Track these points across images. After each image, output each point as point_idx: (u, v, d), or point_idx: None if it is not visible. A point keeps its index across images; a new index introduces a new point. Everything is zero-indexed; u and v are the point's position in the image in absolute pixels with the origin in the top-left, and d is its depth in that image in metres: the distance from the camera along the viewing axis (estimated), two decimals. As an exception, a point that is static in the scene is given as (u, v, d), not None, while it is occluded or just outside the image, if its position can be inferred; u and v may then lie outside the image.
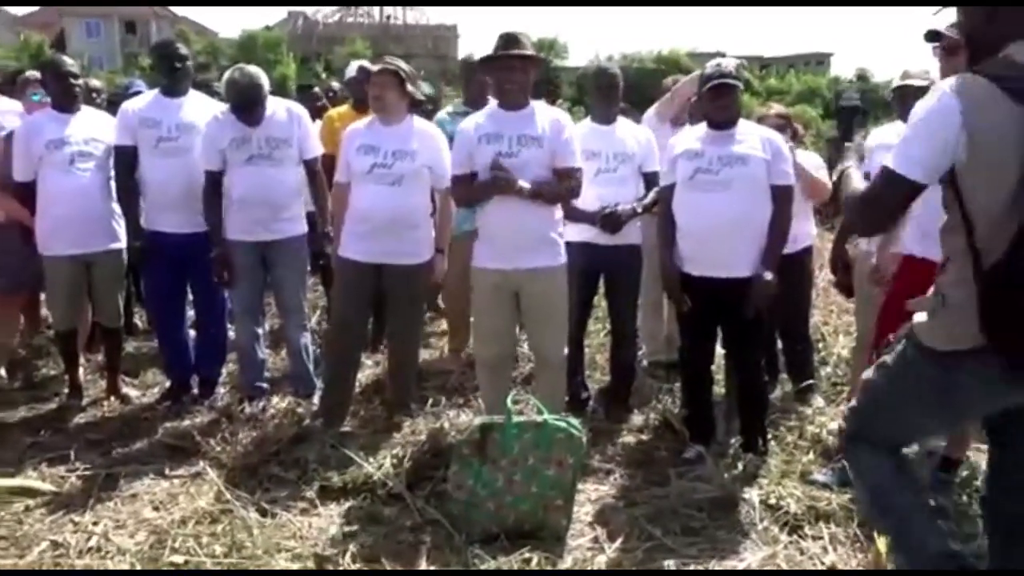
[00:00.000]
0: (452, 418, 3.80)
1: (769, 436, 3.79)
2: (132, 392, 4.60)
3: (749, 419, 3.74)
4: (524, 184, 3.46)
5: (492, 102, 4.68)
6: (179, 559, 2.87)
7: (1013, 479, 2.24)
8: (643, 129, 4.41)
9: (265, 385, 4.40)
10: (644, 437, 4.04)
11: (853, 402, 2.44)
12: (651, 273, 4.22)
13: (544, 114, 3.60)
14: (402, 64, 3.94)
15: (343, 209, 3.96)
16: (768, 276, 3.51)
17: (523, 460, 3.01)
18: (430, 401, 4.24)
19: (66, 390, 4.53)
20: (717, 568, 2.91)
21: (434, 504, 3.21)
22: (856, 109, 2.73)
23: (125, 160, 4.21)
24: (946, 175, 1.95)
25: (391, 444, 3.69)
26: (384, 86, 3.84)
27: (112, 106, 4.95)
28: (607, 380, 4.56)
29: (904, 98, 3.48)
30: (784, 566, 2.91)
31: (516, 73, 3.53)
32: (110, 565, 2.88)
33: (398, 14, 59.68)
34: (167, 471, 3.64)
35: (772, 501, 3.26)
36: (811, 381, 4.38)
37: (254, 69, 4.07)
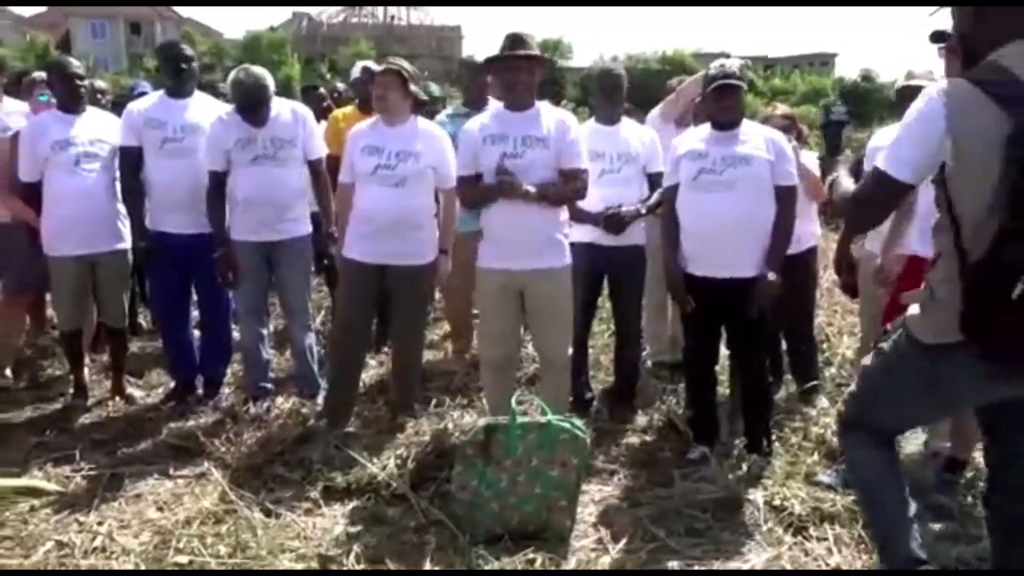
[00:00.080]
0: (456, 419, 3.79)
1: (773, 437, 3.79)
2: (137, 392, 4.61)
3: (753, 420, 3.73)
4: (529, 188, 3.46)
5: (492, 103, 4.71)
6: (183, 559, 2.88)
7: (1010, 477, 2.26)
8: (647, 130, 4.41)
9: (269, 385, 4.41)
10: (648, 438, 4.04)
11: (852, 387, 2.50)
12: (655, 274, 4.22)
13: (549, 115, 3.60)
14: (405, 64, 3.95)
15: (347, 210, 3.96)
16: (772, 276, 3.51)
17: (527, 461, 3.01)
18: (434, 402, 4.24)
19: (71, 390, 4.54)
20: (721, 569, 2.91)
21: (438, 505, 3.21)
22: (843, 124, 2.77)
23: (130, 161, 4.22)
24: (937, 176, 2.00)
25: (395, 445, 3.69)
26: (387, 86, 3.84)
27: (117, 107, 4.96)
28: (611, 381, 4.56)
29: (907, 99, 3.43)
30: (788, 567, 2.90)
31: (522, 74, 3.53)
32: (115, 565, 2.89)
33: (402, 15, 59.75)
34: (171, 471, 3.64)
35: (776, 502, 3.26)
36: (815, 382, 4.37)
37: (259, 70, 4.08)
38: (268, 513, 3.22)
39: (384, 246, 3.86)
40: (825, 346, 5.12)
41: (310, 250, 4.33)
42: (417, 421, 3.90)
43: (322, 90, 6.83)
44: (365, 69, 5.31)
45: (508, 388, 3.72)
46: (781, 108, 4.86)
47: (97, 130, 4.26)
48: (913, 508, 2.33)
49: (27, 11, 59.14)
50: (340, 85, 7.49)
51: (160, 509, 3.32)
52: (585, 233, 3.99)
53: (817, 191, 4.19)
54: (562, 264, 3.65)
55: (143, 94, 5.06)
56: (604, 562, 2.95)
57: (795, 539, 3.06)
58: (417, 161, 3.83)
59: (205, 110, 4.24)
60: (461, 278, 4.41)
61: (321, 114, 5.59)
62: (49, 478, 3.56)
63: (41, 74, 4.97)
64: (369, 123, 4.02)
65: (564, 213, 3.70)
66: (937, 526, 3.12)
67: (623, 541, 3.04)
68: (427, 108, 4.21)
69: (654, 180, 4.11)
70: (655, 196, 4.04)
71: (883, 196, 2.10)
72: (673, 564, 2.92)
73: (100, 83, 5.79)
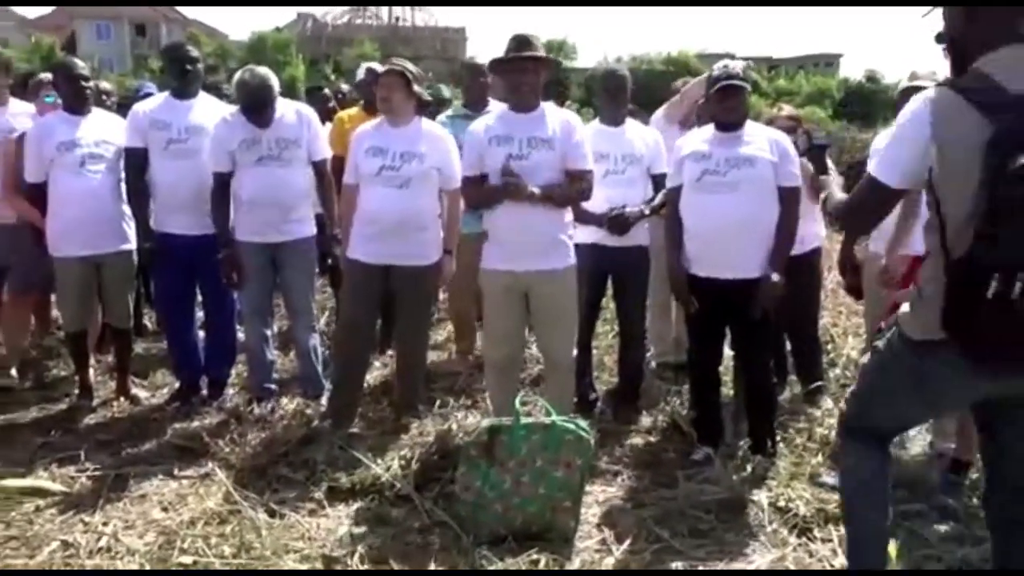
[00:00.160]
0: (460, 420, 3.79)
1: (778, 438, 3.78)
2: (141, 393, 4.62)
3: (757, 421, 3.73)
4: (535, 189, 3.46)
5: (493, 104, 4.71)
6: (188, 559, 2.88)
7: (1005, 474, 2.28)
8: (651, 131, 4.41)
9: (274, 386, 4.42)
10: (652, 439, 4.04)
11: (853, 387, 2.56)
12: (659, 274, 4.22)
13: (555, 116, 3.61)
14: (409, 65, 3.95)
15: (351, 211, 3.97)
16: (775, 277, 3.50)
17: (531, 462, 3.01)
18: (438, 403, 4.24)
19: (76, 391, 4.55)
20: (725, 569, 2.91)
21: (442, 505, 3.21)
22: (826, 147, 2.84)
23: (135, 162, 4.23)
24: (927, 179, 2.06)
25: (399, 445, 3.69)
26: (391, 87, 3.85)
27: (122, 108, 4.98)
28: (615, 382, 4.56)
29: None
30: (793, 568, 2.90)
31: (528, 75, 3.53)
32: (120, 565, 2.89)
33: (407, 16, 59.84)
34: (176, 472, 3.65)
35: (781, 503, 3.26)
36: (820, 383, 4.37)
37: (264, 70, 4.09)
38: (272, 514, 3.22)
39: (388, 247, 3.87)
40: (830, 347, 5.11)
41: (314, 251, 4.34)
42: (421, 422, 3.91)
43: (326, 91, 6.83)
44: (369, 70, 5.32)
45: (512, 389, 3.72)
46: (786, 109, 4.86)
47: (102, 131, 4.27)
48: (890, 521, 2.43)
49: (32, 13, 59.35)
50: (344, 86, 7.51)
51: (165, 509, 3.33)
52: (589, 234, 3.99)
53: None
54: (566, 265, 3.66)
55: (148, 95, 5.07)
56: (608, 563, 2.95)
57: (799, 540, 3.06)
58: (421, 162, 3.83)
59: (210, 111, 4.25)
60: (464, 279, 4.42)
61: (326, 115, 5.60)
62: (54, 478, 3.57)
63: (47, 75, 4.98)
64: (373, 124, 4.02)
65: (568, 214, 3.70)
66: (942, 527, 3.12)
67: (627, 542, 3.04)
68: (430, 109, 4.21)
69: (658, 181, 4.11)
70: (659, 197, 4.04)
71: (875, 201, 2.19)
72: (677, 565, 2.92)
73: (105, 84, 5.81)
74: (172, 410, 4.35)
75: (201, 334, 4.62)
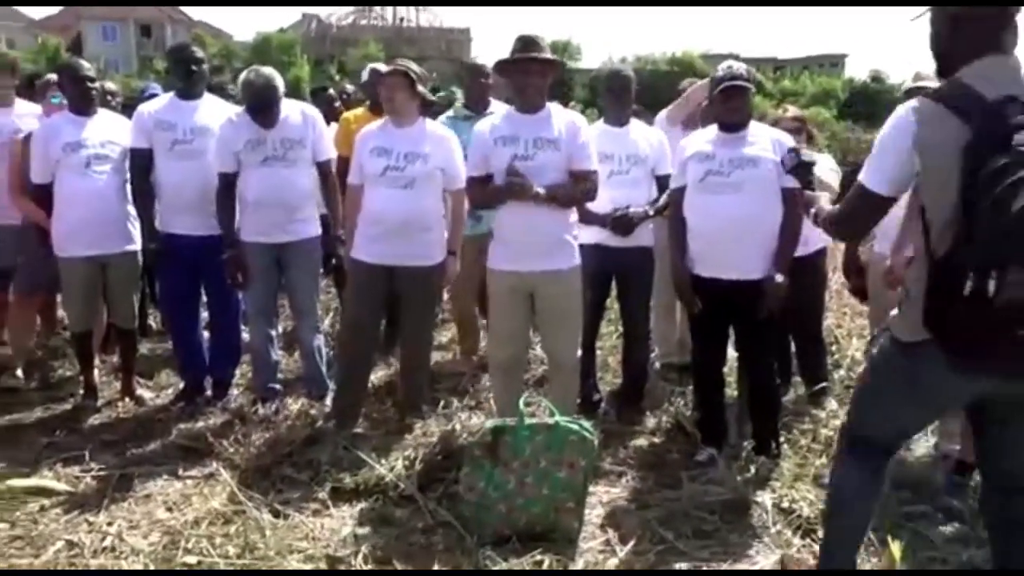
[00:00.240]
0: (464, 420, 3.79)
1: (782, 439, 3.78)
2: (146, 393, 4.63)
3: (761, 422, 3.73)
4: (539, 189, 3.46)
5: (494, 105, 4.72)
6: (192, 559, 2.89)
7: (1002, 475, 2.29)
8: (656, 131, 4.41)
9: (278, 387, 4.42)
10: (656, 440, 4.04)
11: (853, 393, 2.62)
12: (663, 275, 4.21)
13: (560, 117, 3.61)
14: (412, 65, 3.96)
15: (356, 211, 3.97)
16: (779, 278, 3.50)
17: (535, 462, 3.02)
18: (442, 403, 4.24)
19: (81, 391, 4.56)
20: (729, 569, 2.91)
21: (446, 506, 3.21)
22: (812, 164, 2.90)
23: (141, 163, 4.24)
24: (914, 185, 2.15)
25: (403, 446, 3.69)
26: (394, 87, 3.85)
27: (128, 109, 4.99)
28: (619, 382, 4.56)
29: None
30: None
31: (533, 77, 3.53)
32: (124, 565, 2.90)
33: (411, 16, 59.91)
34: (181, 472, 3.66)
35: (785, 504, 3.25)
36: (824, 384, 4.36)
37: (269, 71, 4.10)
38: (276, 514, 3.23)
39: (392, 248, 3.87)
40: (834, 348, 5.10)
41: (319, 251, 4.34)
42: (425, 422, 3.91)
43: (331, 91, 6.84)
44: (373, 71, 5.33)
45: (516, 389, 3.72)
46: (791, 110, 4.86)
47: (108, 132, 4.28)
48: (867, 532, 2.53)
49: (39, 14, 59.51)
50: (349, 87, 7.51)
51: (169, 509, 3.33)
52: (593, 234, 3.99)
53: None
54: (571, 265, 3.66)
55: (153, 96, 5.08)
56: (612, 564, 2.95)
57: (803, 541, 3.05)
58: (425, 162, 3.84)
59: (215, 112, 4.26)
60: (467, 280, 4.41)
61: (331, 116, 5.62)
62: (59, 478, 3.58)
63: (54, 76, 5.00)
64: (378, 125, 4.03)
65: (573, 215, 3.70)
66: (947, 528, 3.11)
67: (631, 543, 3.04)
68: (433, 109, 4.22)
69: (662, 182, 4.11)
70: (663, 198, 4.03)
71: (866, 209, 2.26)
72: (681, 566, 2.92)
73: (111, 85, 5.82)
74: (177, 410, 4.35)
75: (206, 334, 4.63)
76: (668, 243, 3.81)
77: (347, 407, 4.04)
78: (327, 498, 3.37)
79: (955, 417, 3.31)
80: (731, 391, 4.10)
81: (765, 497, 3.31)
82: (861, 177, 2.21)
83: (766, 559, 2.95)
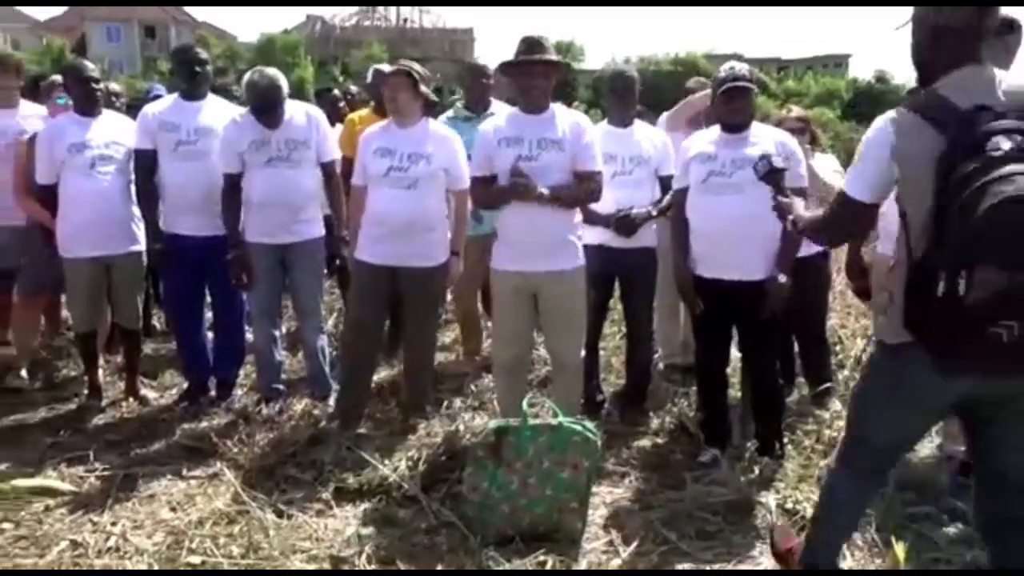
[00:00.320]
0: (467, 420, 3.79)
1: (786, 440, 3.77)
2: (150, 393, 4.64)
3: (765, 422, 3.72)
4: (543, 190, 3.46)
5: (496, 105, 4.72)
6: (196, 559, 2.90)
7: (994, 475, 2.31)
8: (659, 132, 4.41)
9: (282, 387, 4.43)
10: (659, 440, 4.04)
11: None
12: (667, 276, 4.21)
13: (564, 117, 3.61)
14: (415, 66, 3.96)
15: (360, 212, 3.98)
16: (782, 278, 3.50)
17: (538, 463, 3.02)
18: (445, 403, 4.24)
19: (85, 391, 4.57)
20: (732, 570, 2.90)
21: (449, 506, 3.22)
22: (783, 171, 2.92)
23: (145, 163, 4.25)
24: (896, 192, 2.22)
25: (406, 446, 3.70)
26: (397, 87, 3.86)
27: (132, 110, 5.00)
28: (622, 383, 4.56)
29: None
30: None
31: (537, 78, 3.53)
32: (128, 565, 2.91)
33: (415, 17, 59.96)
34: (185, 472, 3.67)
35: (788, 505, 3.25)
36: (828, 384, 4.35)
37: (273, 71, 4.11)
38: (280, 514, 3.23)
39: (396, 248, 3.88)
40: (838, 348, 5.10)
41: (323, 252, 4.34)
42: (428, 423, 3.91)
43: (336, 92, 6.85)
44: (376, 72, 5.33)
45: (520, 390, 3.71)
46: (795, 110, 4.85)
47: (112, 133, 4.29)
48: (849, 538, 2.62)
49: (44, 15, 59.69)
50: (353, 88, 7.52)
51: (173, 509, 3.34)
52: (596, 235, 3.99)
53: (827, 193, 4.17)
54: (575, 266, 3.66)
55: (158, 97, 5.10)
56: (615, 564, 2.96)
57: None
58: (429, 163, 3.84)
59: (219, 113, 4.27)
60: (470, 280, 4.41)
61: (336, 117, 5.62)
62: (63, 478, 3.59)
63: (60, 77, 5.01)
64: (381, 125, 4.03)
65: (577, 215, 3.70)
66: (951, 530, 3.11)
67: (634, 543, 3.04)
68: (435, 109, 4.22)
69: (666, 183, 4.10)
70: (667, 198, 4.03)
71: (847, 215, 2.33)
72: (684, 567, 2.93)
73: (115, 86, 5.84)
74: (181, 410, 4.36)
75: (210, 335, 4.64)
76: (671, 244, 3.81)
77: (351, 407, 4.04)
78: (331, 498, 3.37)
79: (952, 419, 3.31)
80: (735, 392, 4.10)
81: (769, 498, 3.31)
82: (843, 185, 2.30)
83: (769, 560, 2.95)
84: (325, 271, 4.57)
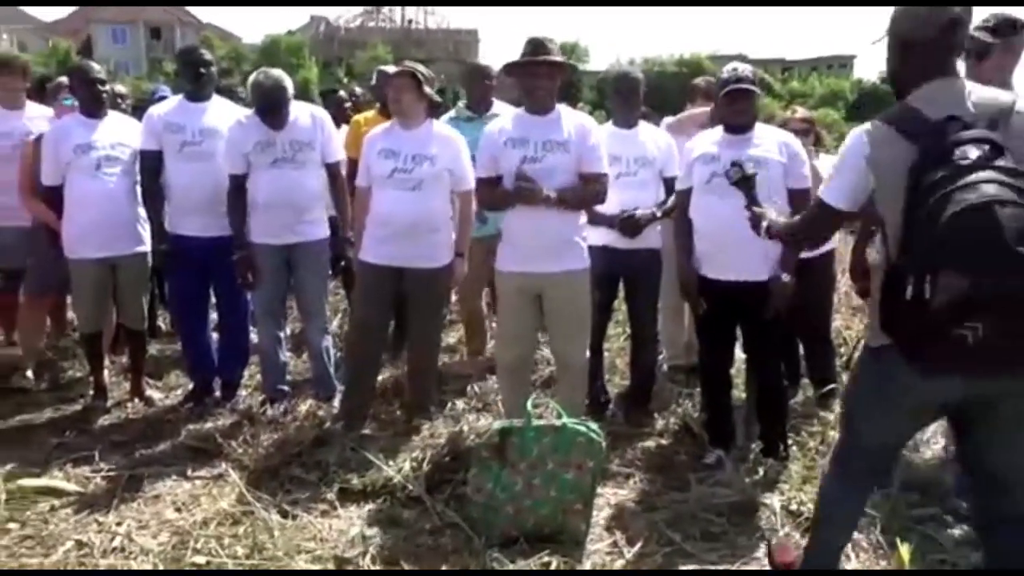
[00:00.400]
0: (471, 421, 3.80)
1: (790, 441, 3.77)
2: (155, 394, 4.65)
3: (769, 423, 3.72)
4: (550, 193, 3.46)
5: (498, 106, 4.72)
6: (201, 560, 2.91)
7: (983, 475, 2.34)
8: (664, 133, 4.40)
9: (286, 388, 4.44)
10: (664, 441, 4.03)
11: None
12: (671, 277, 4.21)
13: (570, 119, 3.61)
14: (419, 67, 3.96)
15: (364, 213, 3.98)
16: (785, 277, 3.49)
17: (542, 464, 3.02)
18: (449, 405, 4.25)
19: (91, 392, 4.58)
20: (736, 570, 2.90)
21: (453, 507, 3.22)
22: (754, 176, 2.95)
23: (150, 164, 4.26)
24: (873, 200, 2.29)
25: (411, 447, 3.70)
26: (401, 88, 3.87)
27: (138, 111, 5.01)
28: (627, 384, 4.55)
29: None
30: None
31: (542, 79, 3.53)
32: (133, 565, 2.91)
33: (419, 19, 60.02)
34: (190, 472, 3.67)
35: (793, 507, 3.25)
36: (833, 385, 4.34)
37: (278, 72, 4.11)
38: (285, 514, 3.24)
39: (400, 249, 3.88)
40: (843, 350, 5.09)
41: (328, 253, 4.35)
42: (433, 424, 3.92)
43: (342, 93, 6.85)
44: (380, 73, 5.34)
45: (524, 391, 3.72)
46: (800, 111, 4.85)
47: (118, 134, 4.30)
48: (848, 541, 2.63)
49: (50, 16, 59.89)
50: (358, 89, 7.52)
51: (178, 510, 3.35)
52: (601, 236, 3.99)
53: None
54: (580, 267, 3.66)
55: (163, 98, 5.11)
56: (619, 565, 2.96)
57: (812, 544, 3.04)
58: (433, 164, 3.84)
59: (224, 114, 4.28)
60: (475, 281, 4.40)
61: (342, 118, 5.63)
62: (69, 478, 3.60)
63: (66, 79, 5.03)
64: (385, 127, 4.04)
65: (582, 216, 3.71)
66: (956, 531, 3.10)
67: (638, 545, 3.05)
68: (439, 110, 4.23)
69: (670, 184, 4.10)
70: (672, 200, 4.03)
71: (824, 220, 2.44)
72: (688, 568, 2.92)
73: (121, 87, 5.85)
74: (186, 411, 4.37)
75: (215, 336, 4.65)
76: (674, 244, 3.81)
77: (355, 408, 4.05)
78: (335, 499, 3.38)
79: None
80: (739, 393, 4.09)
81: (773, 499, 3.31)
82: (821, 191, 2.39)
83: (774, 561, 2.95)
84: (330, 272, 4.58)
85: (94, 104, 4.27)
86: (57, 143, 4.21)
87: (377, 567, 2.89)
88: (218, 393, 4.52)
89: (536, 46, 3.52)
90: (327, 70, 44.78)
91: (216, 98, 4.40)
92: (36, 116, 4.84)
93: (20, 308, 4.93)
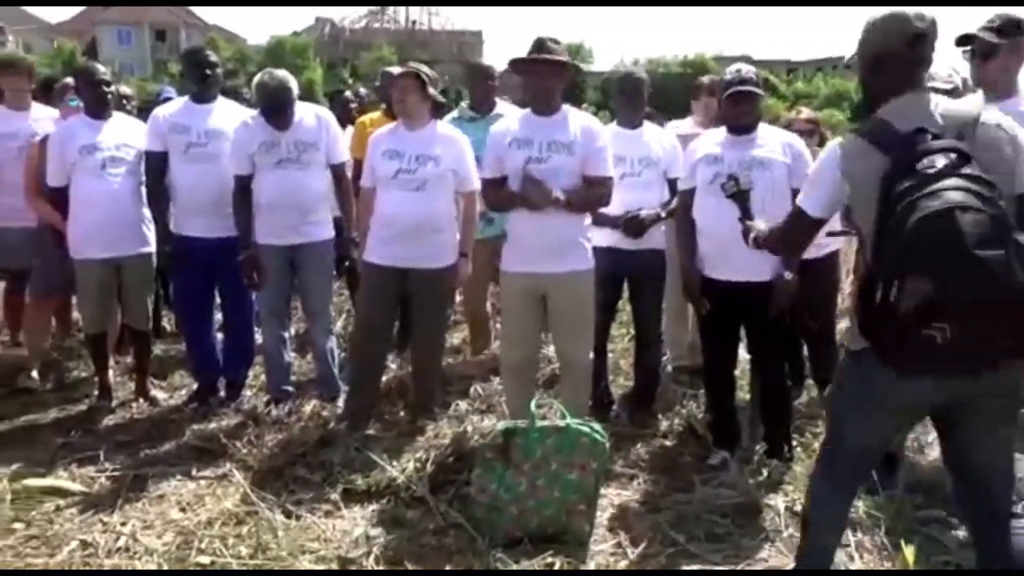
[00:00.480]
0: (475, 422, 3.80)
1: (794, 442, 3.76)
2: (160, 394, 4.66)
3: (774, 424, 3.72)
4: (558, 194, 3.46)
5: (501, 106, 4.72)
6: (205, 560, 2.91)
7: (968, 475, 2.37)
8: (668, 134, 4.40)
9: (291, 388, 4.44)
10: (668, 442, 4.03)
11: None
12: (675, 278, 4.21)
13: (577, 120, 3.61)
14: (424, 68, 3.97)
15: (369, 214, 3.99)
16: (788, 275, 3.49)
17: (546, 464, 3.02)
18: (453, 405, 4.25)
19: (96, 392, 4.59)
20: (740, 570, 2.90)
21: (457, 508, 3.22)
22: (750, 191, 2.97)
23: (155, 165, 4.28)
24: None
25: (415, 448, 3.70)
26: (406, 89, 3.87)
27: (143, 112, 5.02)
28: (631, 385, 4.55)
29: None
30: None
31: (545, 78, 3.53)
32: (138, 565, 2.92)
33: (424, 20, 60.05)
34: (194, 472, 3.68)
35: (797, 508, 3.23)
36: (837, 387, 4.33)
37: (283, 73, 4.12)
38: (289, 515, 3.24)
39: (404, 250, 3.88)
40: (847, 351, 5.07)
41: (332, 254, 4.35)
42: (437, 424, 3.91)
43: (348, 94, 6.86)
44: (384, 74, 5.34)
45: (528, 391, 3.72)
46: (805, 112, 4.84)
47: (123, 135, 4.31)
48: (839, 541, 2.61)
49: (55, 18, 60.05)
50: (363, 90, 7.54)
51: (183, 510, 3.35)
52: (605, 237, 3.99)
53: None
54: (585, 268, 3.66)
55: (168, 100, 5.12)
56: (623, 566, 2.95)
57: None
58: (437, 165, 3.85)
59: (229, 115, 4.29)
60: (479, 282, 4.40)
61: (348, 119, 5.64)
62: (74, 478, 3.60)
63: (72, 80, 5.04)
64: (389, 128, 4.05)
65: (587, 217, 3.71)
66: (961, 533, 3.09)
67: (642, 545, 3.04)
68: (442, 111, 4.23)
69: (675, 185, 4.10)
70: (676, 200, 4.03)
71: (803, 229, 2.53)
72: (692, 569, 2.91)
73: (126, 89, 5.86)
74: (190, 411, 4.38)
75: (219, 336, 4.66)
76: (677, 244, 3.80)
77: (359, 409, 4.05)
78: (339, 499, 3.38)
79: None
80: (744, 394, 4.08)
81: (777, 500, 3.30)
82: (799, 201, 2.48)
83: (778, 563, 2.94)
84: (334, 273, 4.59)
85: (99, 105, 4.29)
86: (63, 144, 4.23)
87: (381, 567, 2.89)
88: (222, 393, 4.53)
89: (538, 45, 3.52)
90: (332, 71, 44.84)
91: (221, 99, 4.41)
92: (42, 117, 4.86)
93: (26, 308, 4.95)
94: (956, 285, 1.93)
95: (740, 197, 3.00)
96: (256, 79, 4.15)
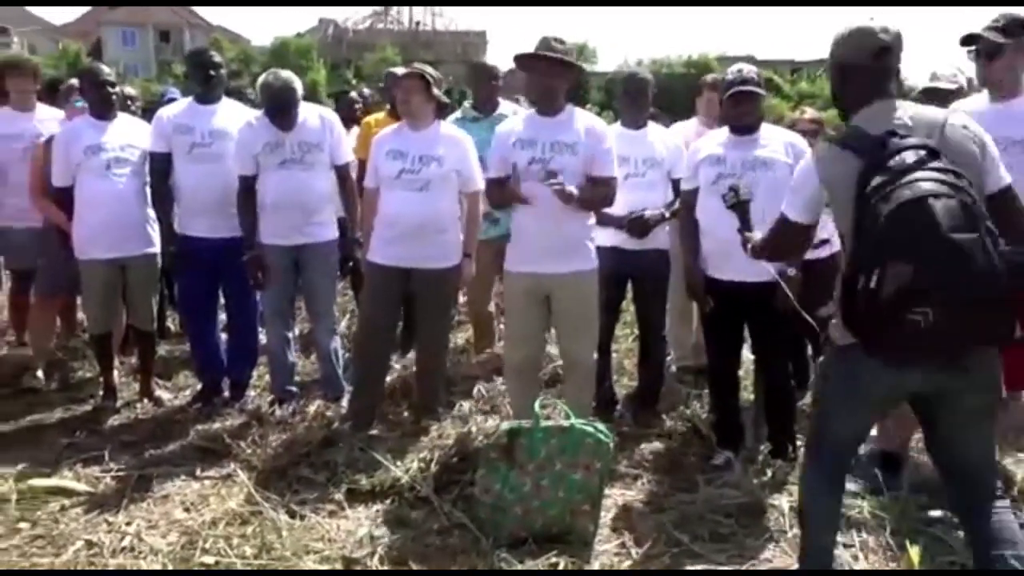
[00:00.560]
0: (479, 422, 3.79)
1: (799, 442, 3.75)
2: (165, 394, 4.67)
3: (777, 424, 3.71)
4: (572, 190, 3.45)
5: (504, 106, 4.72)
6: (210, 560, 2.91)
7: (952, 466, 2.42)
8: (672, 134, 4.40)
9: (295, 388, 4.45)
10: (672, 443, 4.02)
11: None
12: (679, 278, 4.20)
13: (582, 121, 3.61)
14: (428, 69, 3.97)
15: (373, 214, 3.99)
16: (791, 271, 3.48)
17: (550, 464, 3.02)
18: (457, 405, 4.25)
19: (101, 392, 4.60)
20: (743, 570, 2.90)
21: (461, 508, 3.22)
22: (749, 201, 2.98)
23: (160, 166, 4.29)
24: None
25: (419, 448, 3.70)
26: (410, 90, 3.88)
27: (147, 113, 5.04)
28: (635, 385, 4.55)
29: (932, 100, 3.44)
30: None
31: (547, 77, 3.53)
32: (143, 565, 2.93)
33: (427, 20, 60.06)
34: (198, 472, 3.68)
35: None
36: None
37: (287, 74, 4.13)
38: (293, 515, 3.25)
39: (408, 250, 3.89)
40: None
41: (336, 254, 4.36)
42: (441, 424, 3.91)
43: (353, 95, 6.87)
44: (388, 75, 5.34)
45: (532, 391, 3.71)
46: (809, 112, 4.83)
47: (128, 136, 4.32)
48: (837, 534, 2.64)
49: (60, 19, 60.20)
50: (366, 90, 7.54)
51: (187, 510, 3.36)
52: (609, 237, 3.99)
53: None
54: (589, 268, 3.66)
55: (172, 100, 5.13)
56: (627, 566, 2.95)
57: (820, 545, 3.02)
58: (440, 165, 3.85)
59: (233, 116, 4.30)
60: (483, 282, 4.40)
61: (352, 119, 5.64)
62: (79, 478, 3.61)
63: (77, 81, 5.06)
64: (393, 128, 4.05)
65: (591, 217, 3.70)
66: (964, 533, 3.08)
67: (646, 545, 3.04)
68: (445, 111, 4.24)
69: (679, 185, 4.09)
70: (679, 201, 4.03)
71: (789, 235, 2.62)
72: (696, 569, 2.91)
73: (130, 90, 5.88)
74: (194, 411, 4.39)
75: (223, 336, 4.66)
76: (680, 244, 3.80)
77: (363, 409, 4.05)
78: (343, 499, 3.38)
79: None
80: (748, 394, 4.08)
81: (782, 501, 3.30)
82: (783, 208, 2.56)
83: (782, 563, 2.94)
84: (338, 273, 4.59)
85: (104, 106, 4.30)
86: (68, 145, 4.24)
87: (385, 567, 2.90)
88: (227, 394, 4.54)
89: (541, 44, 3.53)
90: (335, 72, 44.84)
91: (225, 100, 4.42)
92: (47, 118, 4.87)
93: (31, 308, 4.96)
94: (935, 268, 2.02)
95: (740, 208, 3.01)
96: (260, 80, 4.16)
